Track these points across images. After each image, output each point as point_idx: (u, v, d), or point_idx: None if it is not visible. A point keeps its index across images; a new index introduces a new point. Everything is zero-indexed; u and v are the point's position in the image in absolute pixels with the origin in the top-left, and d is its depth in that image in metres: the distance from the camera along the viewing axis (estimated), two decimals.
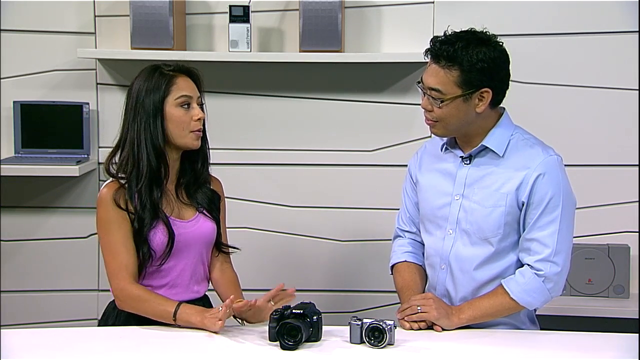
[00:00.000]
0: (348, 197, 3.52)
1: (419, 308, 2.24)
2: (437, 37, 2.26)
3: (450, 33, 2.26)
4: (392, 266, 2.53)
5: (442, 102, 2.22)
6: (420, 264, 2.49)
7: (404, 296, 2.40)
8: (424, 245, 2.49)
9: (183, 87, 2.35)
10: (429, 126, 2.32)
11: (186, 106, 2.34)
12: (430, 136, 2.55)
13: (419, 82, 2.29)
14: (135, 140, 2.32)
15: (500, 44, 2.26)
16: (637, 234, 3.37)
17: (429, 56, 2.25)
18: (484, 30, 2.27)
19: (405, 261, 2.49)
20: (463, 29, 2.27)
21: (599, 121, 3.38)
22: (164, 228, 2.33)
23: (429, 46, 2.26)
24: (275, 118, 3.50)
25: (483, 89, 2.22)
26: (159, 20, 3.26)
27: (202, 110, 2.39)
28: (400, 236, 2.56)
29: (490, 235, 2.29)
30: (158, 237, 2.32)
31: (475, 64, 2.19)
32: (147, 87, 2.32)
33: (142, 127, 2.31)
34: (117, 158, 2.37)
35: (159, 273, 2.37)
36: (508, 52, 2.29)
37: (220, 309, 2.18)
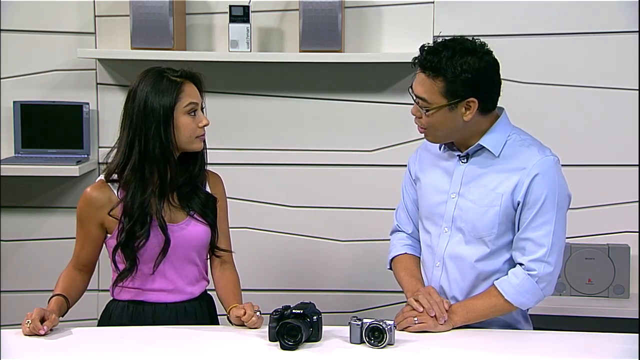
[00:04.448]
0: (348, 197, 3.52)
1: (415, 320, 2.24)
2: (425, 45, 2.26)
3: (439, 41, 2.24)
4: (392, 259, 2.53)
5: (427, 110, 2.24)
6: (420, 256, 2.50)
7: (409, 284, 2.39)
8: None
9: (190, 93, 2.33)
10: (420, 132, 2.33)
11: (193, 113, 2.33)
12: None
13: (410, 88, 2.29)
14: (142, 148, 2.28)
15: (490, 52, 2.24)
16: (637, 234, 3.37)
17: (418, 65, 2.25)
18: (474, 38, 2.25)
19: (406, 253, 2.50)
20: (453, 36, 2.25)
21: (599, 121, 3.38)
22: (160, 236, 2.32)
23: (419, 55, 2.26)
24: (275, 118, 3.50)
25: (469, 99, 2.22)
26: (159, 20, 3.26)
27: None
28: (399, 231, 2.57)
29: (485, 234, 2.30)
30: (149, 246, 2.32)
31: (459, 75, 2.18)
32: (156, 94, 2.29)
33: (151, 135, 2.28)
34: (115, 162, 2.34)
35: (147, 277, 2.37)
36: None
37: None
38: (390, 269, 2.54)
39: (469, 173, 2.33)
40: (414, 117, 2.30)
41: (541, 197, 2.25)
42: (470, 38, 2.25)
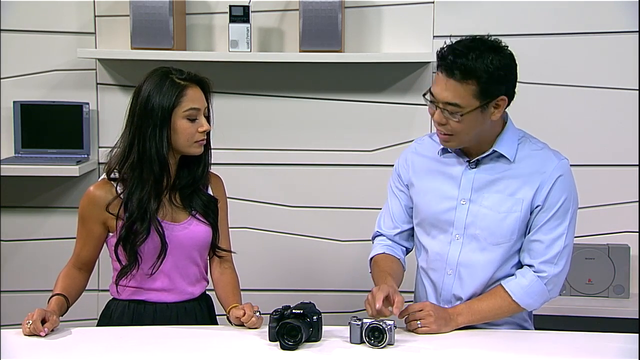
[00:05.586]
0: (348, 197, 3.52)
1: (418, 323, 2.24)
2: (445, 49, 2.17)
3: (455, 42, 2.18)
4: (371, 260, 2.51)
5: (461, 115, 2.16)
6: (399, 257, 2.47)
7: (379, 279, 2.36)
8: (403, 246, 2.50)
9: (193, 98, 2.31)
10: (441, 140, 2.26)
11: (193, 118, 2.32)
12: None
13: (426, 95, 2.22)
14: (140, 147, 2.29)
15: (507, 47, 2.20)
16: (637, 234, 3.37)
17: (441, 71, 2.16)
18: (488, 36, 2.21)
19: (384, 253, 2.47)
20: (468, 37, 2.20)
21: (599, 121, 3.38)
22: (157, 238, 2.32)
23: (438, 60, 2.17)
24: (275, 118, 3.50)
25: (499, 97, 2.19)
26: (159, 20, 3.26)
27: (209, 120, 2.38)
28: (380, 235, 2.54)
29: (503, 240, 2.28)
30: (149, 245, 2.32)
31: (492, 73, 2.13)
32: (157, 95, 2.28)
33: (148, 135, 2.28)
34: (116, 159, 2.35)
35: (148, 277, 2.37)
36: None
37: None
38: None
39: (479, 179, 2.29)
40: (437, 123, 2.22)
41: (560, 200, 2.24)
42: (486, 36, 2.21)
